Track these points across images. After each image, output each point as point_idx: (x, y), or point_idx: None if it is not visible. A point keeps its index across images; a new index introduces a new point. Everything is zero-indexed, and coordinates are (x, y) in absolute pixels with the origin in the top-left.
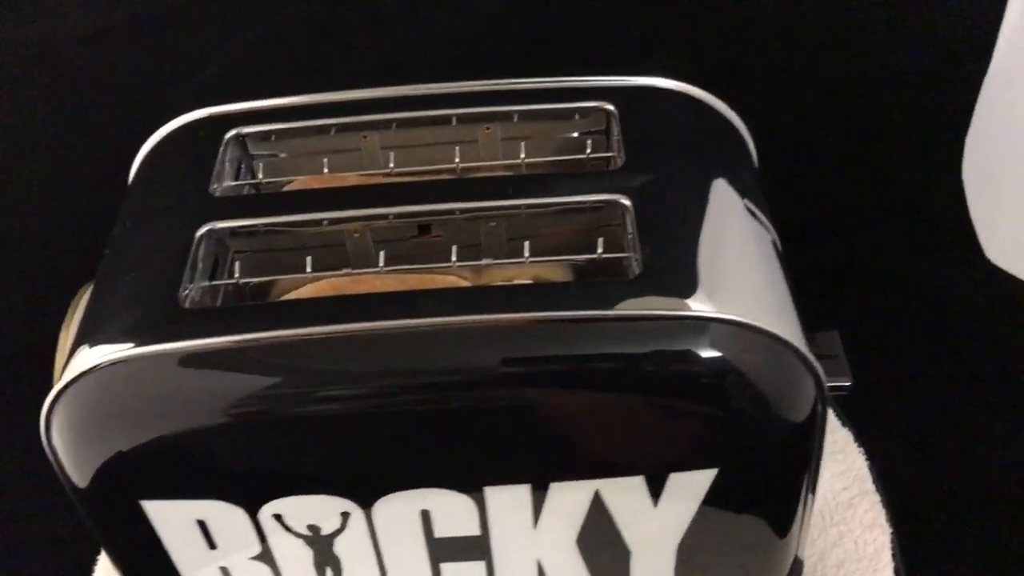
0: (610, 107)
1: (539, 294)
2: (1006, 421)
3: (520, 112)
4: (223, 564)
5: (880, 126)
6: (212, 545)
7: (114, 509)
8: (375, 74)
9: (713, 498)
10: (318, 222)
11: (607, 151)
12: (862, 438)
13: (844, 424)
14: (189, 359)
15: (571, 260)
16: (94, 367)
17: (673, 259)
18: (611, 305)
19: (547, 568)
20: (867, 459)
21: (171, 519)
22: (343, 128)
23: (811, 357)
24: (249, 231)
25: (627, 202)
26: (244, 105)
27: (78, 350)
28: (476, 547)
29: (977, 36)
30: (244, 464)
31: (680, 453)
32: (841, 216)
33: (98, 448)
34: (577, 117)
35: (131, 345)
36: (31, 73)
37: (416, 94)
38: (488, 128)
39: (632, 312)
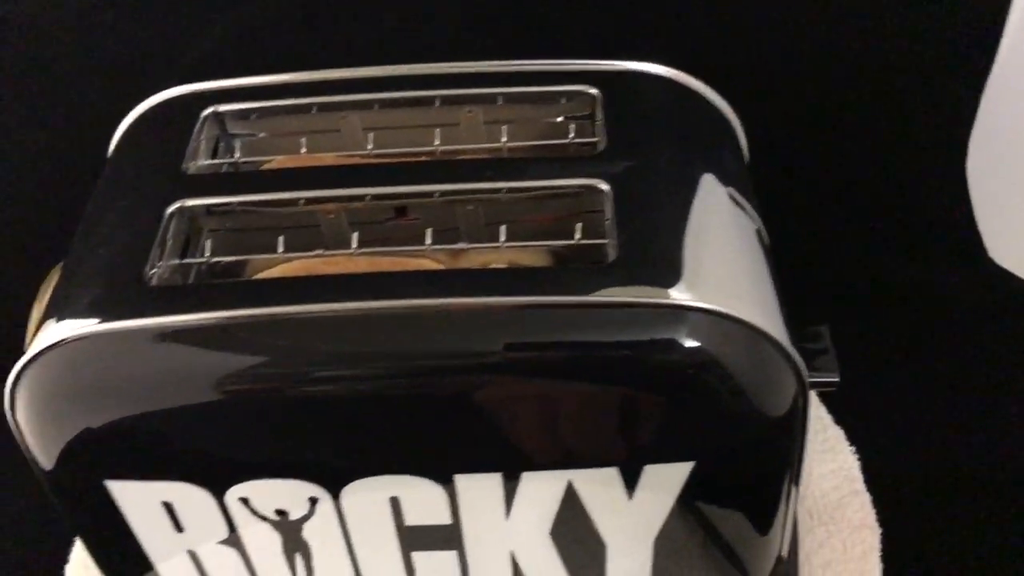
0: (594, 91)
1: (513, 278)
2: (1007, 422)
3: (503, 95)
4: (191, 548)
5: (882, 122)
6: (179, 528)
7: (80, 489)
8: (358, 55)
9: (690, 492)
10: (293, 202)
11: (591, 136)
12: (854, 437)
13: (836, 422)
14: (153, 336)
15: (548, 246)
16: (59, 342)
17: (652, 246)
18: (587, 292)
19: (521, 560)
20: (859, 459)
21: (137, 501)
22: (323, 108)
23: (792, 351)
24: (221, 209)
25: (606, 187)
26: (224, 83)
27: (45, 324)
28: (448, 537)
29: (981, 31)
30: (209, 445)
31: (655, 444)
32: (839, 213)
33: (62, 425)
34: (562, 101)
35: (96, 321)
36: (6, 51)
37: (398, 75)
38: (470, 111)
39: (607, 299)
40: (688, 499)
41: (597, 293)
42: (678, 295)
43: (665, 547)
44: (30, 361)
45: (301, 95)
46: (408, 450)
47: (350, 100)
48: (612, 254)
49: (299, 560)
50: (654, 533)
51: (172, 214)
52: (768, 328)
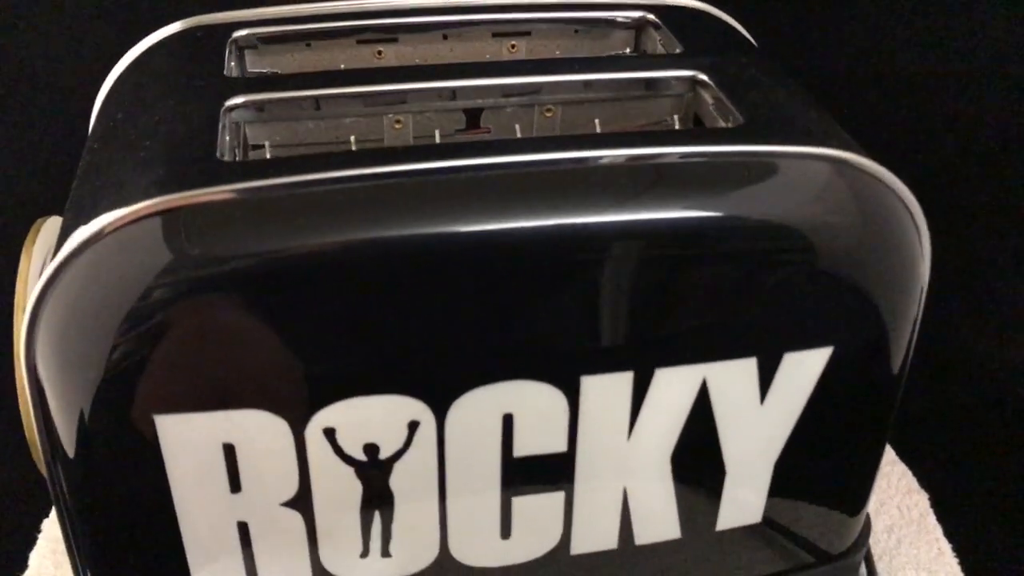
0: (649, 15)
1: (653, 136)
2: None
3: (550, 22)
4: (243, 516)
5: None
6: (236, 486)
7: (113, 436)
8: None
9: (823, 389)
10: (361, 97)
11: (655, 49)
12: None
13: None
14: (235, 204)
15: (666, 125)
16: (102, 231)
17: (773, 115)
18: (721, 145)
19: (633, 499)
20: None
21: (191, 445)
22: (357, 36)
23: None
24: (281, 106)
25: (705, 77)
26: (242, 13)
27: (71, 231)
28: (558, 471)
29: None
30: (294, 355)
31: (797, 322)
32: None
33: (108, 332)
34: (609, 30)
35: (161, 194)
36: None
37: (432, 5)
38: (514, 45)
39: (747, 149)
40: (818, 400)
41: (732, 149)
42: (814, 148)
43: (782, 474)
44: (72, 255)
45: (332, 27)
46: (532, 347)
47: (389, 24)
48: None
49: (376, 521)
50: (776, 453)
51: (230, 108)
52: (894, 184)
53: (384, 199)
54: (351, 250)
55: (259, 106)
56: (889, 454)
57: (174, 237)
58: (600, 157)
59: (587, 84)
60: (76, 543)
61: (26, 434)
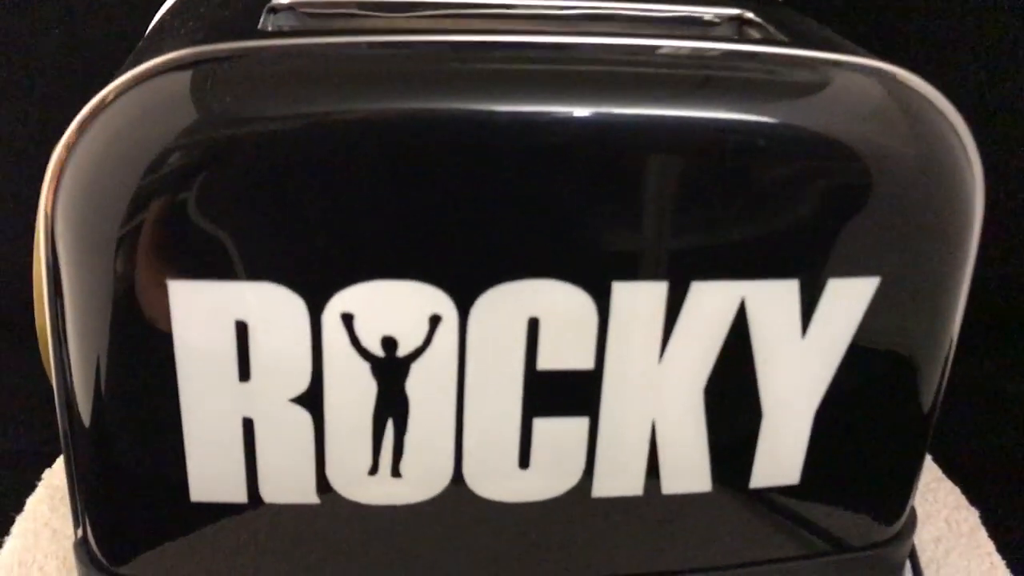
0: None
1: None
2: None
3: None
4: (249, 411)
5: None
6: (245, 373)
7: (123, 301)
8: None
9: (867, 329)
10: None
11: None
12: None
13: None
14: (264, 63)
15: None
16: (133, 80)
17: (819, 42)
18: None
19: (661, 438)
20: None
21: (204, 316)
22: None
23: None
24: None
25: (752, 15)
26: None
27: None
28: (583, 392)
29: None
30: (316, 226)
31: (843, 245)
32: None
33: (122, 190)
34: None
35: (188, 50)
36: None
37: None
38: None
39: (802, 53)
40: (863, 339)
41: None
42: (875, 62)
43: (823, 429)
44: (101, 105)
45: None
46: (564, 244)
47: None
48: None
49: (389, 432)
50: (818, 396)
51: (272, 8)
52: (947, 107)
53: (423, 71)
54: (384, 121)
55: (299, 7)
56: (934, 470)
57: (202, 92)
58: (654, 47)
59: (634, 19)
60: (73, 436)
61: (36, 327)
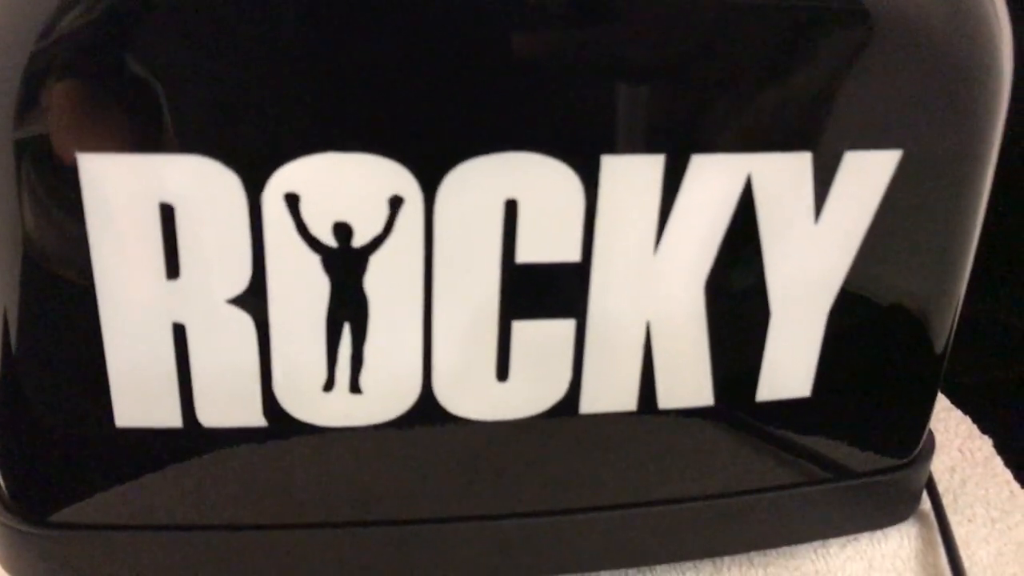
0: None
1: None
2: None
3: None
4: (180, 315)
5: None
6: (174, 270)
7: (30, 192)
8: None
9: (887, 213)
10: None
11: None
12: None
13: None
14: None
15: None
16: None
17: None
18: None
19: (657, 341)
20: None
21: (120, 199)
22: None
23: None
24: None
25: None
26: None
27: None
28: (569, 289)
29: None
30: (250, 86)
31: (858, 110)
32: None
33: (19, 47)
34: None
35: None
36: None
37: None
38: None
39: None
40: (883, 225)
41: None
42: None
43: (838, 333)
44: None
45: None
46: (545, 109)
47: None
48: None
49: (346, 339)
50: (832, 293)
51: None
52: None
53: None
54: None
55: None
56: (943, 400)
57: None
58: None
59: None
60: None
61: None
